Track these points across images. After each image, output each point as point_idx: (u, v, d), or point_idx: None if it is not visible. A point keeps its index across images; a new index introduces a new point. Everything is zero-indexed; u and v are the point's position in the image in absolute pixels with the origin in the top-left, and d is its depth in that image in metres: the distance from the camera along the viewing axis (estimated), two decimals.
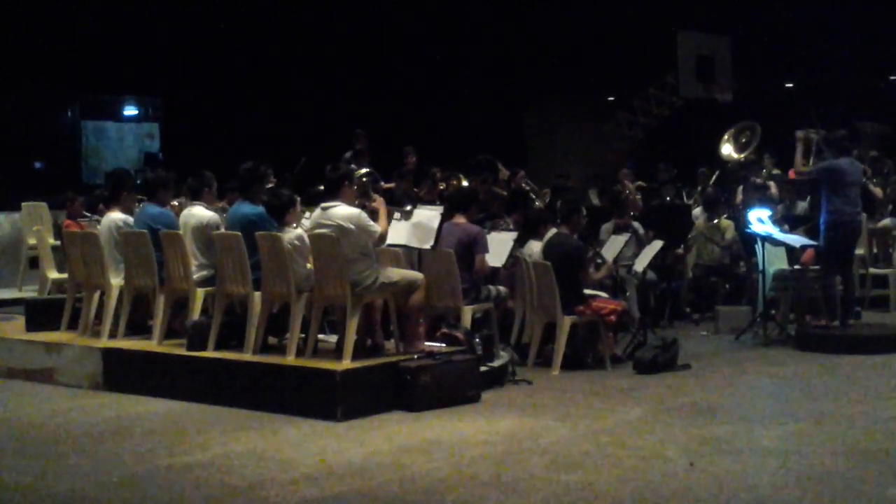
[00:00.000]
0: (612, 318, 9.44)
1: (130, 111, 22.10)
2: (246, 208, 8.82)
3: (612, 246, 10.69)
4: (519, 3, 20.38)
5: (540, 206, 12.53)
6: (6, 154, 18.08)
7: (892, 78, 20.82)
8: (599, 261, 10.15)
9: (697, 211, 13.55)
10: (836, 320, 10.43)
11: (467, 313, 9.01)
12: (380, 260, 8.43)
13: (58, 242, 12.11)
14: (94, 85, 19.95)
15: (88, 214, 11.89)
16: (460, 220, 9.53)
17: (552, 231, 10.02)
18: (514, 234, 9.94)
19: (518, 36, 20.93)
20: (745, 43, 19.56)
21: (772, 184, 14.32)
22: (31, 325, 9.95)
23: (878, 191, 13.92)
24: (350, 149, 14.56)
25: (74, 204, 12.35)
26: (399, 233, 9.22)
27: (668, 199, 14.98)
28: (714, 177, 15.53)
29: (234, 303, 8.95)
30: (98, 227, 10.00)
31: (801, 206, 13.09)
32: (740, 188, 14.46)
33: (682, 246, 12.65)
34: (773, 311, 11.17)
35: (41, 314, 10.02)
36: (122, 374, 8.85)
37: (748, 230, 11.12)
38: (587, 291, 9.69)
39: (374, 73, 20.14)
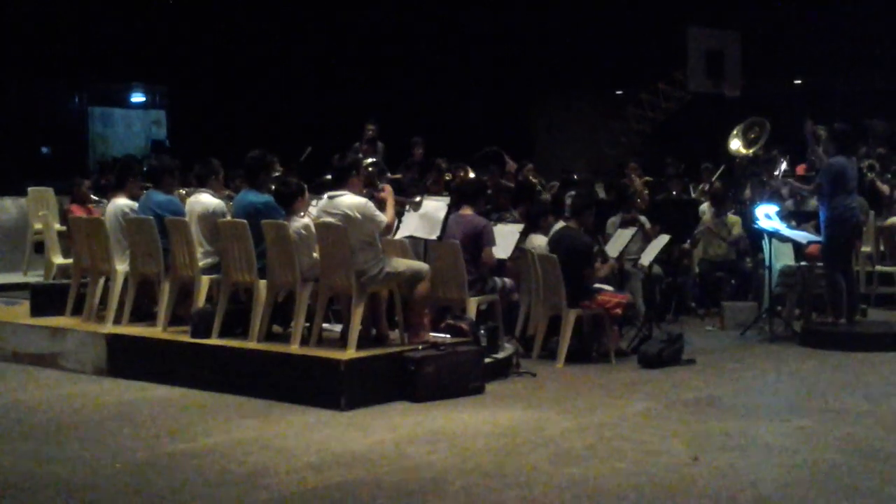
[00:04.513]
0: (618, 311, 9.43)
1: (138, 98, 22.13)
2: (252, 196, 8.81)
3: (619, 240, 10.67)
4: None
5: (547, 199, 12.49)
6: (13, 139, 18.10)
7: None
8: (601, 258, 10.12)
9: (704, 206, 13.51)
10: (843, 317, 10.40)
11: (472, 305, 8.99)
12: (386, 250, 8.41)
13: (63, 228, 12.09)
14: (101, 72, 19.96)
15: (97, 199, 11.86)
16: (467, 211, 9.51)
17: (559, 224, 9.99)
18: (520, 227, 9.92)
19: (527, 29, 20.89)
20: (755, 39, 19.49)
21: (782, 185, 14.26)
22: (36, 310, 9.95)
23: (885, 188, 13.88)
24: (357, 139, 14.59)
25: (81, 189, 12.28)
26: (408, 225, 9.21)
27: (674, 193, 14.94)
28: (718, 172, 15.49)
29: (239, 291, 8.94)
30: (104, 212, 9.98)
31: (812, 202, 13.05)
32: (749, 184, 14.41)
33: (689, 241, 12.62)
34: (780, 308, 11.14)
35: (46, 299, 10.02)
36: (126, 360, 8.85)
37: (755, 226, 11.09)
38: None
39: (381, 63, 20.11)
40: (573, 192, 11.03)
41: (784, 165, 13.32)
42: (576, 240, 9.58)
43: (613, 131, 22.43)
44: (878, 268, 13.08)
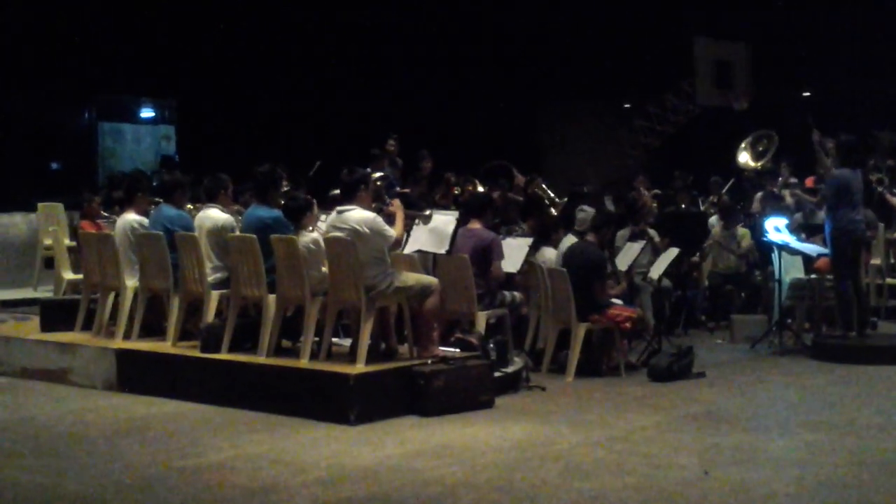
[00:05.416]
0: (628, 325, 9.41)
1: (147, 113, 22.16)
2: (261, 211, 8.83)
3: (628, 253, 10.66)
4: (536, 9, 20.36)
5: (555, 212, 12.49)
6: (23, 154, 18.13)
7: None
8: (615, 278, 10.10)
9: (713, 219, 13.50)
10: (853, 330, 10.37)
11: (482, 318, 8.99)
12: (394, 264, 8.42)
13: (73, 243, 12.12)
14: (111, 86, 20.01)
15: (107, 214, 11.91)
16: (476, 225, 9.52)
17: (569, 238, 9.99)
18: (529, 240, 9.92)
19: (533, 41, 20.90)
20: (763, 50, 19.49)
21: (786, 192, 14.24)
22: (46, 326, 9.96)
23: (895, 201, 13.84)
24: (368, 153, 14.60)
25: (92, 204, 12.33)
26: (417, 239, 9.22)
27: (683, 206, 14.92)
28: (728, 185, 15.48)
29: (249, 305, 8.95)
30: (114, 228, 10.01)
31: (821, 215, 13.03)
32: (758, 196, 14.40)
33: (698, 254, 12.60)
34: (789, 320, 11.12)
35: (56, 314, 10.03)
36: (136, 375, 8.85)
37: (765, 239, 11.08)
38: None
39: (388, 77, 20.14)
40: (583, 206, 11.03)
41: (790, 178, 13.31)
42: (589, 253, 9.57)
43: (621, 144, 22.41)
44: (889, 280, 13.04)
